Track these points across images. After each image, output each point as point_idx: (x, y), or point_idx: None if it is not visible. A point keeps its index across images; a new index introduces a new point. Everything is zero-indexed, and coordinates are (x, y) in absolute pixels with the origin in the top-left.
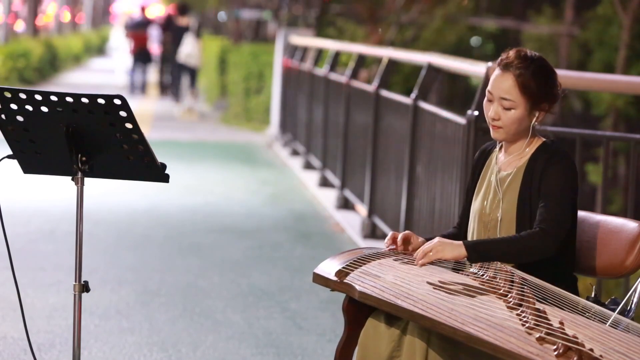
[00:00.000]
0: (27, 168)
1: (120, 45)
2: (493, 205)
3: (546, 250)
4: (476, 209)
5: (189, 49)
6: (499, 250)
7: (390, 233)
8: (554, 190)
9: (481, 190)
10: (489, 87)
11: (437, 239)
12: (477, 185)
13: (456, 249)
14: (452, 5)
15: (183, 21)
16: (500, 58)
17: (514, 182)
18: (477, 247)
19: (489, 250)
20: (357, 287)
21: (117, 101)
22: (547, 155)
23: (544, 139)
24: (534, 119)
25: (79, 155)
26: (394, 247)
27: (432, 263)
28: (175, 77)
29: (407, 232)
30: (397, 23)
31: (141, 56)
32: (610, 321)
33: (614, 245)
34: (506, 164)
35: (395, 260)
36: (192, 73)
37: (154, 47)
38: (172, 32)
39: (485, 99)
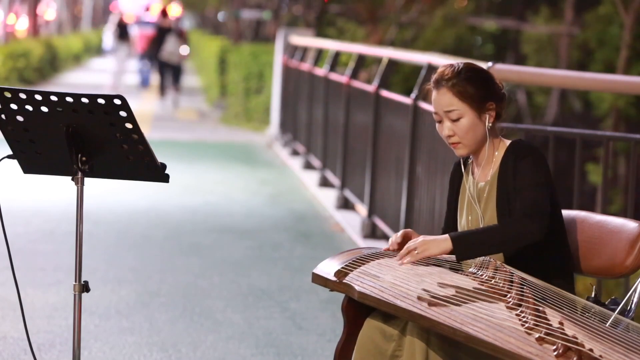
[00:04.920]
0: (27, 168)
1: (113, 46)
2: (476, 220)
3: (531, 233)
4: (462, 226)
5: (170, 48)
6: (485, 238)
7: (393, 236)
8: (527, 181)
9: (464, 207)
10: (433, 110)
11: (420, 238)
12: (459, 201)
13: (442, 244)
14: (452, 5)
15: (166, 22)
16: (430, 80)
17: (491, 192)
18: (463, 239)
19: (475, 240)
20: (356, 287)
21: (117, 101)
22: (514, 156)
23: (510, 141)
24: (486, 122)
25: (79, 155)
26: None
27: (428, 262)
28: (160, 75)
29: (406, 229)
30: (397, 23)
31: (150, 55)
32: (610, 321)
33: (614, 245)
34: (481, 174)
35: (394, 260)
36: (175, 70)
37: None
38: (157, 33)
39: (436, 122)
